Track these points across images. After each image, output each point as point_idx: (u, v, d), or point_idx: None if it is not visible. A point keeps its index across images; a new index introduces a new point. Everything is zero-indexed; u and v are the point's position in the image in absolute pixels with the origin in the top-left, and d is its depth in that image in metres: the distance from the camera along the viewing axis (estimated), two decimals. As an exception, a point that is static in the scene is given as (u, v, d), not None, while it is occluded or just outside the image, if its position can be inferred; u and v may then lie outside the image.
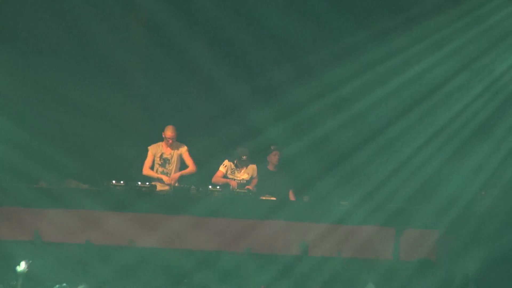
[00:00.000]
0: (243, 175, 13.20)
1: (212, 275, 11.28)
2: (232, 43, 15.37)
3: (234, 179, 13.22)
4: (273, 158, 13.34)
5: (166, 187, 12.95)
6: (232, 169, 13.29)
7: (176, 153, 13.17)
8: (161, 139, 13.24)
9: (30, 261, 9.51)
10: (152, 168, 13.10)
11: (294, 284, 11.47)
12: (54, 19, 14.87)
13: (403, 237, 12.63)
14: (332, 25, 15.15)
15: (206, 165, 13.83)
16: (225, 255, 11.62)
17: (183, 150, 13.28)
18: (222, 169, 13.26)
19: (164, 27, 15.08)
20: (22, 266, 9.51)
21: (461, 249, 12.38)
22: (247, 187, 13.04)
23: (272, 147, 13.59)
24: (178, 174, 13.25)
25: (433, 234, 12.75)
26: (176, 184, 13.02)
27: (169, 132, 12.93)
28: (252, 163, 13.30)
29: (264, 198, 12.68)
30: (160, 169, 13.02)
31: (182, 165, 13.26)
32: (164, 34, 15.19)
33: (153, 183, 12.78)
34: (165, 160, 13.09)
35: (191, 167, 13.25)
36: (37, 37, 14.81)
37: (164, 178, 12.98)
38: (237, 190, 12.96)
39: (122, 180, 12.43)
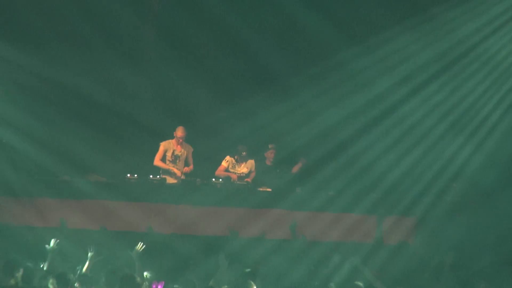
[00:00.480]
0: (243, 169, 14.03)
1: (216, 259, 10.94)
2: (243, 49, 15.70)
3: (235, 173, 14.08)
4: (270, 155, 14.26)
5: (175, 180, 13.71)
6: (233, 163, 14.10)
7: (185, 152, 13.94)
8: (170, 137, 14.00)
9: (58, 240, 10.54)
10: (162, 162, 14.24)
11: (289, 264, 11.68)
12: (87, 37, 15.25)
13: (385, 223, 13.38)
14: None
15: (210, 160, 14.60)
16: (227, 240, 12.31)
17: (190, 150, 14.07)
18: (224, 163, 14.06)
19: (176, 32, 15.48)
20: (51, 244, 10.51)
21: (436, 234, 13.20)
22: (246, 179, 13.97)
23: (269, 146, 14.48)
24: (188, 169, 13.95)
25: (411, 221, 13.51)
26: (183, 177, 13.81)
27: (180, 132, 13.69)
28: (251, 158, 14.19)
29: (261, 189, 13.68)
30: (171, 165, 13.74)
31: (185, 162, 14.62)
32: (177, 41, 15.58)
33: (163, 176, 13.66)
34: (176, 157, 13.80)
35: (191, 166, 14.03)
36: (62, 45, 15.10)
37: (176, 171, 13.73)
38: (237, 182, 13.90)
39: (136, 174, 13.49)
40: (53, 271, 9.93)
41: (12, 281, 9.59)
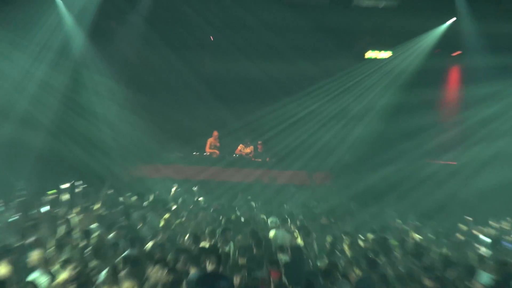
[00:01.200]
0: (247, 150, 16.00)
1: (235, 192, 13.44)
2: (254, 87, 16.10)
3: (244, 152, 16.01)
4: (259, 147, 16.09)
5: (215, 156, 15.70)
6: (243, 148, 16.01)
7: (217, 143, 15.78)
8: (210, 136, 15.85)
9: (177, 186, 12.71)
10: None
11: (270, 194, 13.56)
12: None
13: (315, 175, 15.19)
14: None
15: (233, 147, 16.05)
16: (240, 183, 14.29)
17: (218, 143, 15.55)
18: (239, 148, 15.99)
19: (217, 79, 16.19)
20: (173, 188, 12.65)
21: (343, 181, 14.60)
22: (249, 155, 15.97)
23: (259, 142, 16.11)
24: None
25: (327, 173, 15.38)
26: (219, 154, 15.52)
27: (215, 133, 15.80)
28: (251, 145, 16.13)
29: (256, 160, 15.77)
30: (212, 149, 15.70)
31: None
32: (216, 86, 16.29)
33: (209, 154, 15.73)
34: (214, 146, 15.79)
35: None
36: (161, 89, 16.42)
37: (216, 152, 15.73)
38: (245, 156, 15.87)
39: (198, 152, 15.61)
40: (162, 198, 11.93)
41: (146, 203, 11.53)
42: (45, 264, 6.94)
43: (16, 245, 7.62)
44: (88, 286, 6.26)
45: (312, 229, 9.60)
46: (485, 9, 11.50)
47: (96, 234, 8.52)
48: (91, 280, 6.52)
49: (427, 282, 6.73)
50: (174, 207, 11.12)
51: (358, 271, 7.22)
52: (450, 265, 7.45)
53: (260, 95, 15.84)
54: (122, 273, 6.59)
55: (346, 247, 8.70)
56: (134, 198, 11.82)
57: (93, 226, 8.98)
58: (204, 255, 7.09)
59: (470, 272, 7.27)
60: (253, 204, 12.25)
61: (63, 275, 6.61)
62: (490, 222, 11.06)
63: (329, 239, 9.10)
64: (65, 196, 10.82)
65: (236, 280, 6.54)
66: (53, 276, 6.61)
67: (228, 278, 5.76)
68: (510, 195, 12.37)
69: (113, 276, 6.36)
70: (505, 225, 11.08)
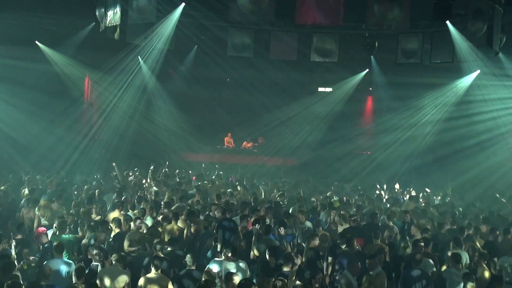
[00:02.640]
0: (248, 145, 14.92)
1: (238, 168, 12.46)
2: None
3: (246, 146, 14.92)
4: (260, 139, 15.03)
5: (229, 147, 14.90)
6: (246, 143, 14.98)
7: (232, 140, 14.95)
8: (226, 135, 14.87)
9: (205, 165, 12.04)
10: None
11: (261, 171, 12.75)
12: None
13: (289, 160, 14.46)
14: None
15: (239, 143, 15.02)
16: (244, 164, 13.40)
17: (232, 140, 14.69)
18: (244, 143, 14.97)
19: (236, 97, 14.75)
20: (203, 166, 11.93)
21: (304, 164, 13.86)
22: (249, 148, 14.88)
23: (260, 138, 15.05)
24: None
25: (295, 160, 14.36)
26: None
27: (229, 134, 14.85)
28: (251, 142, 14.98)
29: (255, 150, 14.78)
30: (230, 144, 14.82)
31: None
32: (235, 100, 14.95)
33: (226, 146, 14.78)
34: (229, 142, 14.92)
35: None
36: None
37: (231, 146, 14.87)
38: (246, 149, 14.75)
39: (219, 145, 14.80)
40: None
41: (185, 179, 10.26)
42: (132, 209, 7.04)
43: (115, 201, 7.56)
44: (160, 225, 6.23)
45: (284, 190, 9.50)
46: (385, 64, 11.61)
47: (166, 196, 8.17)
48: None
49: (351, 223, 6.71)
50: (204, 177, 10.64)
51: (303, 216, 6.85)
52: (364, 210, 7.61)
53: (254, 112, 14.98)
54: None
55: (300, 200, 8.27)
56: (180, 172, 11.44)
57: (154, 188, 8.62)
58: (223, 207, 6.84)
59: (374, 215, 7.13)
60: (251, 176, 11.68)
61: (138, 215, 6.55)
62: (395, 189, 10.88)
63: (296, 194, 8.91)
64: (139, 172, 10.76)
65: (242, 222, 6.48)
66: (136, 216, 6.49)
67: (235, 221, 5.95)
68: (410, 174, 12.55)
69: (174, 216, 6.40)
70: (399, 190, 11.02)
